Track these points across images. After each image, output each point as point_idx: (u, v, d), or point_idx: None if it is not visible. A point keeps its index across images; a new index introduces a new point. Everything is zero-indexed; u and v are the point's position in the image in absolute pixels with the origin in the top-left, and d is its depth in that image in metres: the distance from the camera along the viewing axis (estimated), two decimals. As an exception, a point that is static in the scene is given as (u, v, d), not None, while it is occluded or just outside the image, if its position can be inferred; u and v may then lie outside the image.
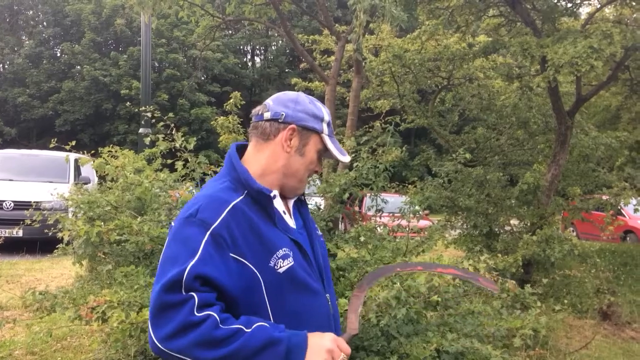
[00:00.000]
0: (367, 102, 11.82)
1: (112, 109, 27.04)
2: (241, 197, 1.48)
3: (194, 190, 3.97)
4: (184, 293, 1.30)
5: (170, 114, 4.41)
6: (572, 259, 6.85)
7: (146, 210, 4.08)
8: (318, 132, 1.63)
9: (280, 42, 33.58)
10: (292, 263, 1.51)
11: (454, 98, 11.40)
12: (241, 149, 1.66)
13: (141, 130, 8.61)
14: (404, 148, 6.18)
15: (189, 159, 4.17)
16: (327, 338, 1.43)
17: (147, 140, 4.64)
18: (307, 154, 1.61)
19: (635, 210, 7.90)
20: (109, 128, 27.52)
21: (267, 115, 1.60)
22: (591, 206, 7.46)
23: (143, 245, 3.49)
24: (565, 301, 6.26)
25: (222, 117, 5.23)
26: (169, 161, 4.50)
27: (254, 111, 1.66)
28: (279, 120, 1.59)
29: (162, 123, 4.25)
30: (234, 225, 1.42)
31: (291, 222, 1.63)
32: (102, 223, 3.55)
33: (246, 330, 1.32)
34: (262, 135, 1.60)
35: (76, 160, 10.59)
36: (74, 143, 4.44)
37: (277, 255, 1.48)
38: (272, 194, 1.55)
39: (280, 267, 1.48)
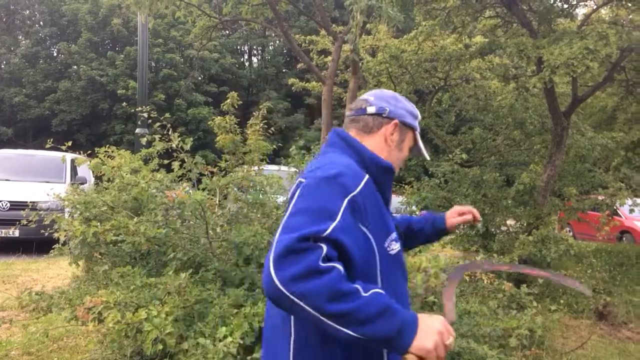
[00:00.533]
0: (364, 103, 11.82)
1: (109, 109, 26.97)
2: (367, 174, 1.52)
3: (190, 191, 3.96)
4: (313, 242, 1.29)
5: (167, 114, 4.41)
6: (568, 259, 6.88)
7: (143, 210, 4.07)
8: (413, 129, 1.74)
9: (277, 42, 33.57)
10: (400, 248, 1.60)
11: (450, 99, 11.43)
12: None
13: (138, 130, 8.59)
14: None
15: (186, 160, 4.17)
16: (437, 320, 1.41)
17: (144, 140, 4.62)
18: (404, 149, 1.71)
19: (631, 211, 7.93)
20: (105, 128, 27.44)
21: (370, 109, 1.68)
22: (587, 206, 7.48)
23: (139, 246, 3.49)
24: (562, 301, 6.27)
25: (219, 117, 5.23)
26: (166, 161, 4.49)
27: (354, 105, 1.73)
28: (383, 115, 1.67)
29: (158, 123, 4.24)
30: (367, 198, 1.46)
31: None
32: (99, 223, 3.54)
33: (364, 293, 1.29)
34: (364, 128, 1.67)
35: (73, 161, 10.56)
36: (70, 143, 4.43)
37: (390, 237, 1.55)
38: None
39: (392, 249, 1.55)
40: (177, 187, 3.92)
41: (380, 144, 1.66)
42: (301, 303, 1.24)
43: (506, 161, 9.86)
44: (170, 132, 4.15)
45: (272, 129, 5.97)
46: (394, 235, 1.58)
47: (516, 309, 4.10)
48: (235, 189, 4.44)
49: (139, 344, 3.04)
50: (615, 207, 9.96)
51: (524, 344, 3.91)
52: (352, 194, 1.40)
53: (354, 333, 1.26)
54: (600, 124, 11.61)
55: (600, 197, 7.66)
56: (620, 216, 13.52)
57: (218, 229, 3.91)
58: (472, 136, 10.06)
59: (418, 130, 1.75)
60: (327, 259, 1.29)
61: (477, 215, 2.00)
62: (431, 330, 1.35)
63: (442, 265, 4.00)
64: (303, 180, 1.44)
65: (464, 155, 6.29)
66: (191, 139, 4.25)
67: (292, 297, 1.24)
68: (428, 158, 1.81)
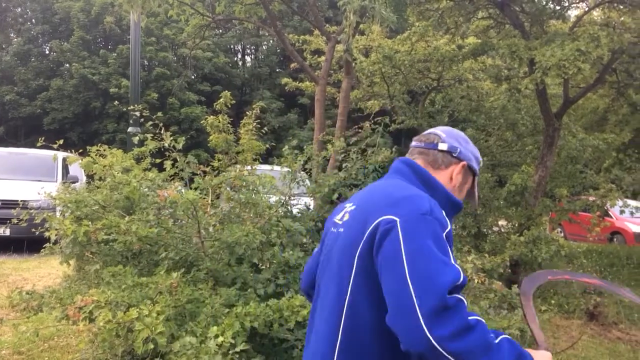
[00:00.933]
0: (357, 103, 11.85)
1: (101, 107, 26.84)
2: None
3: (183, 190, 3.95)
4: (455, 295, 1.31)
5: (159, 113, 4.38)
6: (559, 259, 6.91)
7: (135, 209, 4.06)
8: (475, 175, 1.75)
9: (271, 41, 33.53)
10: None
11: (443, 99, 11.45)
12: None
13: (130, 129, 8.57)
14: (393, 149, 6.21)
15: (178, 159, 4.16)
16: (547, 356, 1.50)
17: (136, 139, 4.60)
18: (463, 191, 1.72)
19: (621, 212, 7.98)
20: (97, 127, 27.31)
21: (442, 146, 1.67)
22: (578, 207, 7.52)
23: (131, 245, 3.48)
24: (553, 301, 6.31)
25: (212, 117, 5.22)
26: (158, 160, 4.48)
27: (424, 138, 1.73)
28: (453, 154, 1.67)
29: (150, 122, 4.23)
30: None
31: None
32: (90, 222, 3.53)
33: (496, 341, 1.34)
34: (432, 163, 1.67)
35: (64, 159, 10.51)
36: (61, 142, 4.40)
37: None
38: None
39: None
40: (169, 187, 3.91)
41: (445, 182, 1.65)
42: None
43: (498, 162, 9.88)
44: (162, 131, 4.14)
45: (265, 128, 5.97)
46: None
47: (507, 309, 4.11)
48: (228, 188, 4.43)
49: (130, 343, 3.03)
50: (606, 208, 10.02)
51: (515, 344, 3.93)
52: (447, 230, 1.42)
53: None
54: (592, 125, 11.66)
55: (591, 198, 7.70)
56: (611, 217, 13.62)
57: (210, 229, 3.90)
58: (464, 137, 10.07)
59: (477, 175, 1.76)
60: (467, 309, 1.33)
61: None
62: None
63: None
64: (395, 218, 1.39)
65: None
66: (184, 138, 4.24)
67: (448, 355, 1.26)
68: (477, 205, 1.84)
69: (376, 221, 1.42)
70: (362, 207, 1.54)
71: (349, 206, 1.63)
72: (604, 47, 5.86)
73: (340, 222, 1.61)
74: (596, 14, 9.34)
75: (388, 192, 1.54)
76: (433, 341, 1.25)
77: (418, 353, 1.30)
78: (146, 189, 4.00)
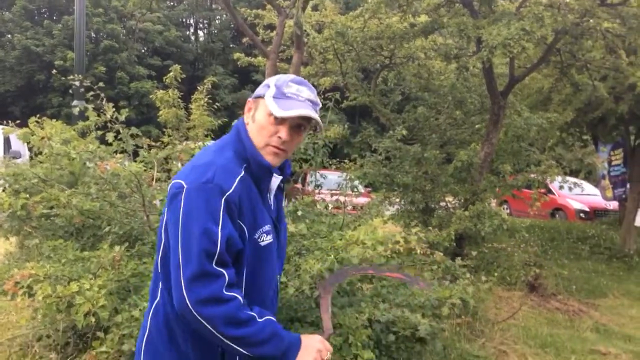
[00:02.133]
0: (310, 79, 11.79)
1: (46, 80, 25.87)
2: (244, 169, 1.60)
3: (125, 163, 3.87)
4: (217, 267, 1.46)
5: (101, 83, 4.23)
6: (502, 233, 7.15)
7: (78, 184, 3.96)
8: (262, 97, 1.67)
9: (224, 16, 32.88)
10: (272, 240, 1.68)
11: (395, 77, 11.50)
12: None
13: (75, 102, 8.29)
14: (346, 125, 6.24)
15: (121, 130, 4.07)
16: (316, 339, 1.63)
17: (76, 110, 4.45)
18: (256, 118, 1.67)
19: (560, 187, 8.29)
20: (42, 101, 26.34)
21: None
22: (520, 183, 7.76)
23: (72, 219, 3.41)
24: (495, 274, 6.54)
25: (161, 91, 5.11)
26: (101, 132, 4.37)
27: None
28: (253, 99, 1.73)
29: (91, 93, 4.10)
30: (242, 194, 1.55)
31: (271, 202, 1.76)
32: (28, 196, 3.42)
33: (259, 319, 1.50)
34: (250, 117, 1.71)
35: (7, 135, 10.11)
36: (-3, 113, 4.22)
37: (262, 230, 1.63)
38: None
39: (263, 240, 1.64)
40: (110, 158, 3.83)
41: (250, 125, 1.69)
42: (205, 324, 1.43)
43: (448, 139, 10.03)
44: (104, 102, 4.02)
45: (218, 104, 5.88)
46: (266, 227, 1.65)
47: (450, 281, 4.24)
48: (178, 164, 4.37)
49: (72, 318, 2.99)
50: (549, 186, 10.34)
51: (457, 313, 4.07)
52: (227, 194, 1.51)
53: (247, 352, 1.49)
54: (537, 104, 11.94)
55: (532, 175, 7.96)
56: (554, 194, 14.16)
57: (157, 202, 3.86)
58: (415, 115, 10.18)
59: (269, 94, 1.63)
60: (231, 285, 1.48)
61: None
62: (312, 349, 1.59)
63: (380, 239, 4.09)
64: (184, 184, 1.52)
65: (404, 131, 6.39)
66: (127, 110, 4.14)
67: (199, 317, 1.43)
68: (284, 115, 1.59)
69: (171, 183, 1.57)
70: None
71: None
72: (548, 27, 6.00)
73: None
74: (543, -6, 9.52)
75: (194, 158, 1.66)
76: (189, 303, 1.42)
77: (179, 313, 1.48)
78: (87, 162, 3.90)
